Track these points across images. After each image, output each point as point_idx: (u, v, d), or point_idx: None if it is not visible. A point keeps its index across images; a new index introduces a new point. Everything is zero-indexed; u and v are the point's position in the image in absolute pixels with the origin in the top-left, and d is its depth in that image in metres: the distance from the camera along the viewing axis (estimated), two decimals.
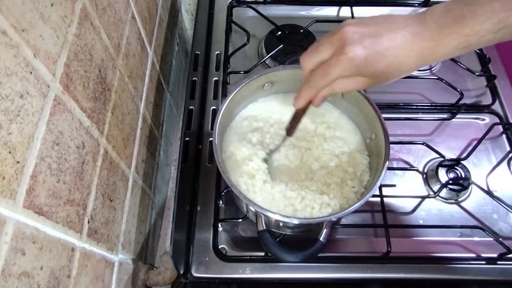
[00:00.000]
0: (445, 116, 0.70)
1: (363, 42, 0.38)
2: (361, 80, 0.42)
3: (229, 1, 0.82)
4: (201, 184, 0.62)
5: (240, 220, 0.59)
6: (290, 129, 0.52)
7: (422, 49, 0.39)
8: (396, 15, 0.40)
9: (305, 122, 0.59)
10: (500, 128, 0.70)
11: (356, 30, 0.39)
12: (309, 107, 0.47)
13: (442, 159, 0.64)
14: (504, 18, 0.35)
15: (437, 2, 0.40)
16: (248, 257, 0.57)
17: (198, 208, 0.60)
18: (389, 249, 0.56)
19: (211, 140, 0.64)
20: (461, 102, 0.70)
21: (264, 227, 0.48)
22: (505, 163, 0.67)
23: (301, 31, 0.77)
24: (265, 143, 0.57)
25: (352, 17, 0.79)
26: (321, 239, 0.47)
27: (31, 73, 0.30)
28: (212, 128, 0.63)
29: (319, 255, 0.48)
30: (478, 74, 0.75)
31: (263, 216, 0.48)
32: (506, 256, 0.58)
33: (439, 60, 0.40)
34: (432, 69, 0.77)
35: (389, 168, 0.49)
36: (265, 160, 0.56)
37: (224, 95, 0.70)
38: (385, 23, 0.39)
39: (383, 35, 0.39)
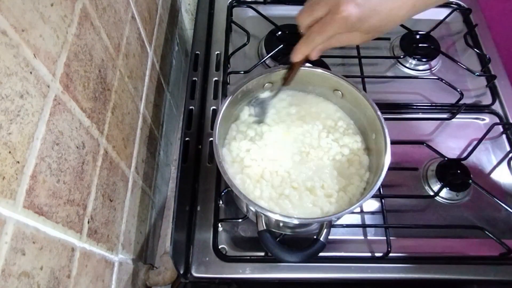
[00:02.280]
0: (445, 116, 0.70)
1: (356, 0, 0.40)
2: (357, 35, 0.44)
3: (229, 1, 0.82)
4: (201, 184, 0.62)
5: (240, 220, 0.59)
6: (287, 79, 0.55)
7: (414, 0, 0.41)
8: None
9: (308, 125, 0.59)
10: (500, 128, 0.70)
11: None
12: (306, 59, 0.50)
13: (442, 159, 0.64)
14: None
15: None
16: (248, 257, 0.57)
17: (198, 208, 0.60)
18: (389, 249, 0.56)
19: (211, 140, 0.65)
20: (461, 102, 0.70)
21: (264, 227, 0.48)
22: (505, 163, 0.67)
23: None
24: (264, 147, 0.57)
25: None
26: (321, 239, 0.47)
27: (31, 73, 0.30)
28: (212, 128, 0.63)
29: (319, 255, 0.48)
30: (478, 74, 0.75)
31: (263, 216, 0.48)
32: (506, 256, 0.58)
33: (429, 7, 0.43)
34: (432, 69, 0.77)
35: (389, 168, 0.49)
36: (267, 163, 0.55)
37: (224, 95, 0.70)
38: None
39: None
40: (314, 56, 0.48)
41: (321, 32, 0.44)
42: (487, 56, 0.77)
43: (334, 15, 0.41)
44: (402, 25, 0.77)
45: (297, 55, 0.49)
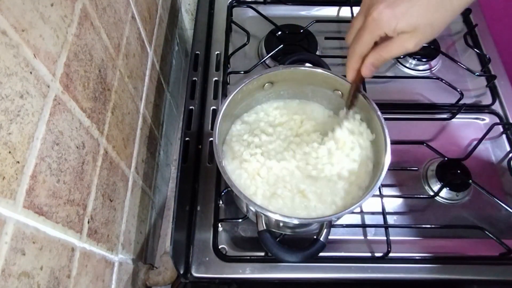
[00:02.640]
0: (445, 116, 0.70)
1: (387, 0, 0.38)
2: (405, 38, 0.40)
3: (229, 1, 0.82)
4: (201, 184, 0.62)
5: (240, 220, 0.59)
6: (349, 103, 0.53)
7: None
8: None
9: (307, 126, 0.59)
10: (500, 128, 0.70)
11: None
12: (363, 79, 0.48)
13: (442, 159, 0.64)
14: None
15: None
16: (248, 257, 0.57)
17: (198, 208, 0.60)
18: (389, 249, 0.56)
19: (211, 140, 0.65)
20: (461, 102, 0.70)
21: (264, 227, 0.48)
22: (505, 163, 0.67)
23: (301, 31, 0.77)
24: (266, 143, 0.57)
25: (352, 17, 0.79)
26: (321, 239, 0.47)
27: (31, 73, 0.30)
28: (212, 128, 0.63)
29: (319, 255, 0.48)
30: (478, 74, 0.75)
31: (263, 216, 0.48)
32: (506, 256, 0.58)
33: None
34: (432, 69, 0.77)
35: (389, 168, 0.49)
36: (266, 160, 0.55)
37: (224, 95, 0.70)
38: None
39: None
40: (365, 72, 0.45)
41: (358, 39, 0.42)
42: (487, 56, 0.77)
43: (367, 18, 0.40)
44: None
45: (348, 72, 0.47)
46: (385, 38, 0.41)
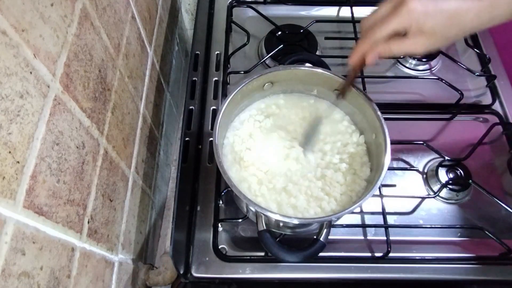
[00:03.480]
0: (445, 116, 0.70)
1: None
2: (420, 40, 0.42)
3: (229, 1, 0.82)
4: (201, 184, 0.62)
5: (240, 220, 0.59)
6: (342, 90, 0.53)
7: (479, 7, 0.40)
8: None
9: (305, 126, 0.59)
10: (500, 128, 0.70)
11: None
12: (362, 67, 0.48)
13: (442, 159, 0.64)
14: None
15: None
16: (248, 257, 0.57)
17: (198, 208, 0.60)
18: (389, 249, 0.56)
19: (211, 140, 0.65)
20: (461, 102, 0.70)
21: (264, 227, 0.48)
22: (505, 163, 0.67)
23: (301, 31, 0.77)
24: (263, 123, 0.58)
25: (352, 17, 0.79)
26: (321, 239, 0.47)
27: (31, 73, 0.30)
28: (212, 128, 0.63)
29: (319, 255, 0.48)
30: (478, 74, 0.75)
31: (263, 216, 0.48)
32: (506, 256, 0.58)
33: (495, 22, 0.41)
34: (432, 69, 0.77)
35: (389, 168, 0.49)
36: (266, 160, 0.55)
37: (224, 95, 0.70)
38: None
39: None
40: (370, 59, 0.45)
41: (383, 24, 0.42)
42: (487, 56, 0.77)
43: (399, 7, 0.40)
44: None
45: (353, 55, 0.46)
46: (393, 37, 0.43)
